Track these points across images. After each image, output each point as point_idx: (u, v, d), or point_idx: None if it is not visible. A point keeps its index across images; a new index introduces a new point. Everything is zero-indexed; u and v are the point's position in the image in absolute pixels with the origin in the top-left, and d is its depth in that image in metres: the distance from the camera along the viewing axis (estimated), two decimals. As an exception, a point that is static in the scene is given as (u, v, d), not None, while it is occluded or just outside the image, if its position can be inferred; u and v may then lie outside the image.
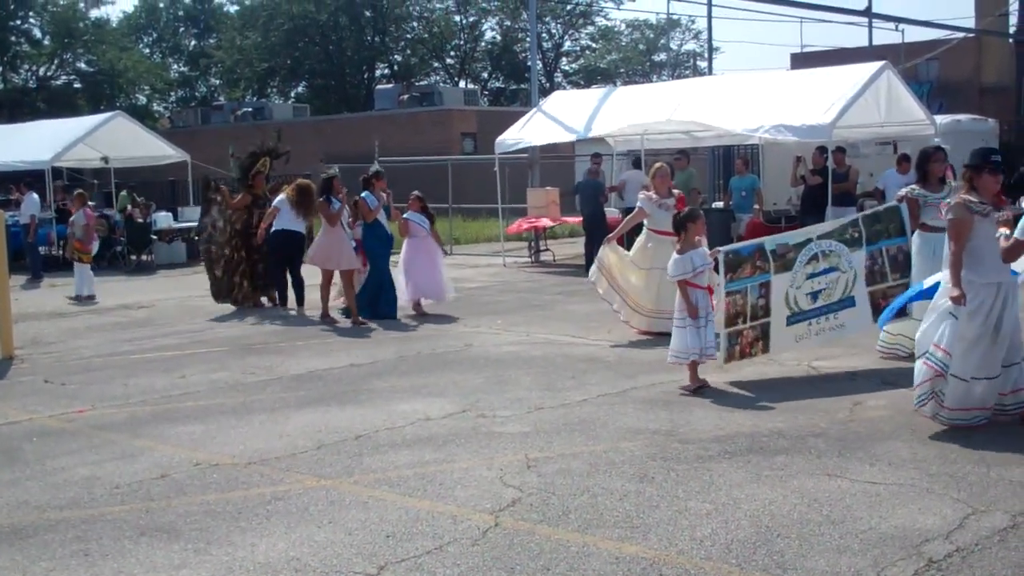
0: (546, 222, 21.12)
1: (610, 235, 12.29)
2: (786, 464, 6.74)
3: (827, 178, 16.69)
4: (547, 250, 21.61)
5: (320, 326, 13.39)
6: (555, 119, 20.40)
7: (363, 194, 13.60)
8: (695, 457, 6.98)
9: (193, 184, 26.73)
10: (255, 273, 15.35)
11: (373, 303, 13.62)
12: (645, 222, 11.75)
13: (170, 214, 24.45)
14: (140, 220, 23.10)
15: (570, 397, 8.90)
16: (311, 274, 14.41)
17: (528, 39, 58.94)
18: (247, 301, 15.35)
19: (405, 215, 14.06)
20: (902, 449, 7.01)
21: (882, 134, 18.39)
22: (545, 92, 39.55)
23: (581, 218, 19.17)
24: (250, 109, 49.18)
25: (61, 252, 23.59)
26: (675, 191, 11.94)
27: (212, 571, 5.33)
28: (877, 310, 9.65)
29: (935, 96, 32.93)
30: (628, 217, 12.59)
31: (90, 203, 25.63)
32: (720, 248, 9.17)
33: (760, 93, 18.05)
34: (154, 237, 23.13)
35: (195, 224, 24.53)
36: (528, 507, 6.09)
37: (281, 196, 14.58)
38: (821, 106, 16.49)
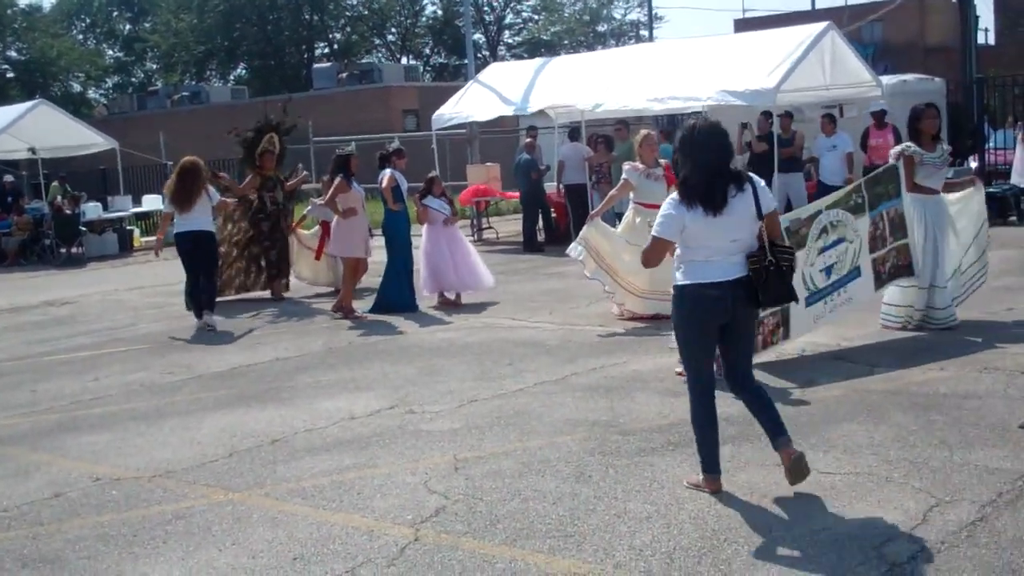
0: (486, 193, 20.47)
1: (593, 212, 11.38)
2: (733, 455, 6.22)
3: (773, 144, 16.22)
4: (489, 228, 21.00)
5: (264, 316, 12.77)
6: (493, 91, 19.75)
7: (398, 182, 12.41)
8: (636, 450, 6.46)
9: (123, 172, 25.88)
10: (268, 260, 14.17)
11: (401, 294, 12.46)
12: (632, 195, 10.88)
13: (99, 204, 23.54)
14: (68, 212, 22.23)
15: (506, 387, 8.34)
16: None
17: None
18: (249, 289, 14.31)
19: (424, 201, 12.83)
20: (858, 432, 6.53)
21: (827, 96, 17.91)
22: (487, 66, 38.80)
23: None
24: (187, 93, 48.07)
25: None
26: (661, 160, 11.17)
27: (93, 610, 4.74)
28: (879, 278, 9.17)
29: (880, 59, 32.63)
30: (612, 192, 11.48)
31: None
32: None
33: (702, 59, 17.49)
34: (83, 229, 22.25)
35: (125, 214, 23.93)
36: (453, 516, 5.53)
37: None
38: (765, 70, 15.97)
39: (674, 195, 5.50)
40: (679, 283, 5.52)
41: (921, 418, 6.74)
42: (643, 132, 11.39)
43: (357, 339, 10.94)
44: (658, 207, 10.53)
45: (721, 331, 5.54)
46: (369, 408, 7.94)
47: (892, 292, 9.53)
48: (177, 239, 12.14)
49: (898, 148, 9.57)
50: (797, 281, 8.37)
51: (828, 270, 8.73)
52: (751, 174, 5.59)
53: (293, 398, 8.46)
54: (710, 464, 5.60)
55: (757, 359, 8.28)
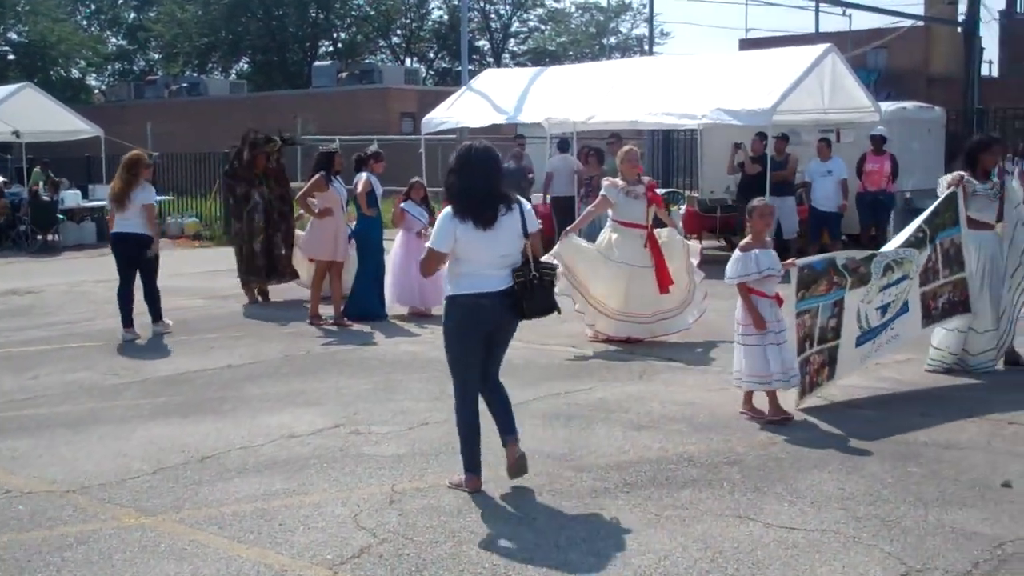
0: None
1: (568, 228, 10.84)
2: (692, 501, 5.74)
3: (766, 166, 15.74)
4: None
5: (221, 319, 12.27)
6: (486, 98, 19.28)
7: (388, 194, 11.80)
8: (588, 491, 5.97)
9: (108, 160, 25.36)
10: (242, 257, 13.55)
11: (370, 301, 11.96)
12: (609, 212, 10.37)
13: (79, 192, 23.03)
14: (46, 198, 21.72)
15: (461, 409, 7.85)
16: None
17: (473, 18, 57.79)
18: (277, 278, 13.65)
19: (403, 205, 12.27)
20: (828, 482, 6.04)
21: (825, 120, 17.46)
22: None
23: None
24: (185, 84, 47.63)
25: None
26: (645, 177, 10.70)
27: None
28: (928, 314, 8.58)
29: (883, 85, 32.12)
30: (589, 208, 11.03)
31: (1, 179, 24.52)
32: (797, 261, 7.78)
33: (700, 76, 17.05)
34: (61, 216, 21.74)
35: (105, 203, 23.38)
36: (376, 558, 5.04)
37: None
38: (762, 90, 15.52)
39: (448, 209, 5.78)
40: (451, 294, 5.85)
41: (897, 469, 6.26)
42: (625, 147, 10.87)
43: (317, 348, 10.45)
44: (637, 226, 10.26)
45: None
46: (313, 426, 7.45)
47: (937, 333, 8.93)
48: (112, 239, 11.32)
49: (954, 175, 8.90)
50: (851, 321, 7.89)
51: (884, 308, 8.18)
52: (519, 197, 5.96)
53: (235, 410, 7.97)
54: (472, 464, 5.98)
55: (803, 404, 7.75)
